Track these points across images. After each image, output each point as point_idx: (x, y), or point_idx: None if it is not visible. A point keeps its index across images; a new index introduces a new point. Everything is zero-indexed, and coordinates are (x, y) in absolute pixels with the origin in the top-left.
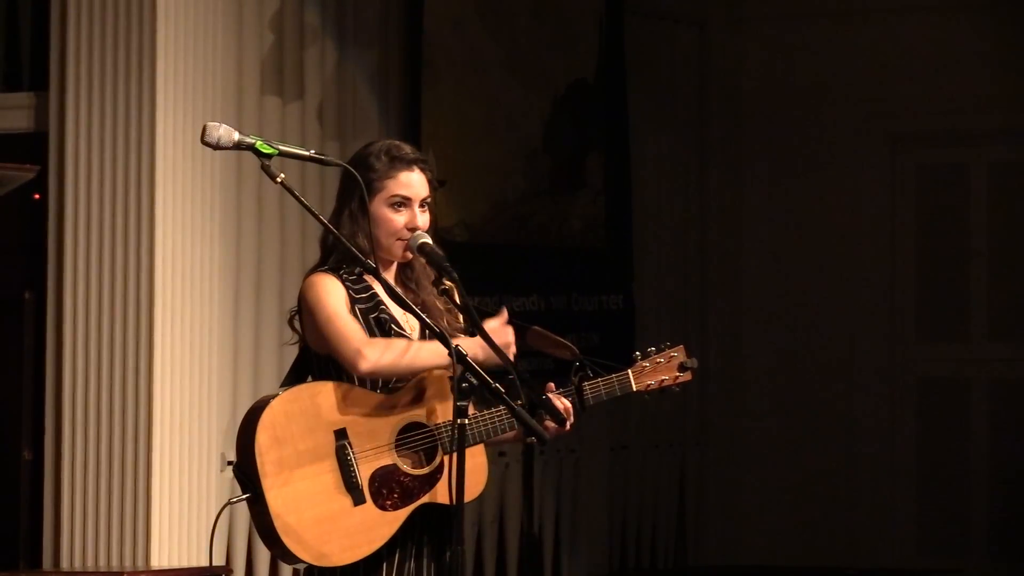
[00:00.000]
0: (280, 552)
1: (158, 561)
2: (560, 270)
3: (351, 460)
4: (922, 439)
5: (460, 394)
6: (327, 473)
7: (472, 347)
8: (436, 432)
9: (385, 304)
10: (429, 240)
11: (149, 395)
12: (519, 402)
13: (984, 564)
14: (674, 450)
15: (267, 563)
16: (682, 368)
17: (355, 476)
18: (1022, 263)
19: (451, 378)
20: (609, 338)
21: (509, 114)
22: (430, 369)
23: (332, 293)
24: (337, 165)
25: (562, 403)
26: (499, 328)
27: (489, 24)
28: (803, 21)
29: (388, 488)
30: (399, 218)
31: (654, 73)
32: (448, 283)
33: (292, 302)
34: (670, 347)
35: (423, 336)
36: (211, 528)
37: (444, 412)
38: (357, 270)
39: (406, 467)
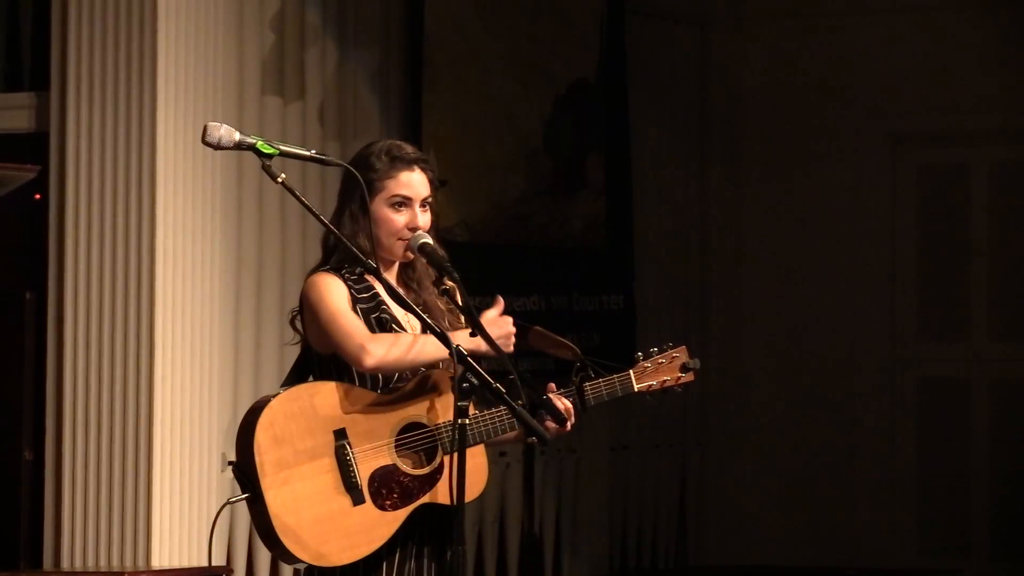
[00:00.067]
0: (279, 552)
1: (158, 561)
2: (561, 270)
3: (350, 460)
4: (922, 439)
5: (461, 394)
6: (326, 473)
7: (472, 344)
8: (436, 432)
9: (386, 304)
10: (430, 240)
11: (149, 395)
12: (520, 402)
13: (984, 564)
14: (674, 450)
15: (267, 563)
16: (684, 368)
17: (354, 476)
18: (1022, 263)
19: (452, 378)
20: (610, 338)
21: (509, 114)
22: (435, 362)
23: (334, 292)
24: (338, 165)
25: (563, 403)
26: (498, 318)
27: (489, 24)
28: (803, 21)
29: (388, 488)
30: (400, 218)
31: (654, 73)
32: (449, 283)
33: (293, 302)
34: (672, 347)
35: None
36: (210, 528)
37: (444, 412)
38: (358, 270)
39: (406, 467)
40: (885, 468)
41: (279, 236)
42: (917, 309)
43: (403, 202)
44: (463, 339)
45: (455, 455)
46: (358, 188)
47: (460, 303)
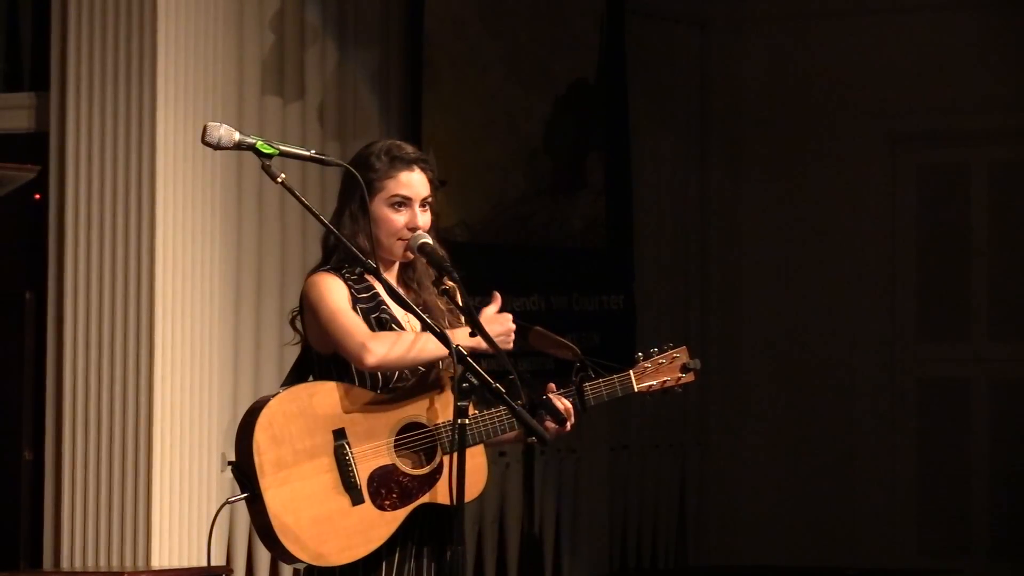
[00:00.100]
0: (278, 552)
1: (158, 561)
2: (561, 270)
3: (349, 460)
4: (922, 439)
5: (461, 394)
6: (325, 473)
7: (471, 342)
8: (435, 432)
9: (386, 304)
10: (429, 240)
11: (149, 395)
12: (520, 402)
13: (984, 564)
14: (674, 450)
15: (267, 563)
16: (684, 369)
17: (353, 476)
18: (1022, 263)
19: (451, 378)
20: (609, 338)
21: (509, 114)
22: (436, 360)
23: (335, 291)
24: (338, 165)
25: (562, 403)
26: (497, 315)
27: (489, 24)
28: (803, 21)
29: (387, 488)
30: (399, 218)
31: (654, 73)
32: (449, 283)
33: (293, 302)
34: (673, 347)
35: None
36: (209, 528)
37: (444, 412)
38: (358, 270)
39: (405, 467)
40: (885, 468)
41: (279, 236)
42: (917, 309)
43: (403, 202)
44: (462, 337)
45: (455, 455)
46: (358, 188)
47: (460, 303)
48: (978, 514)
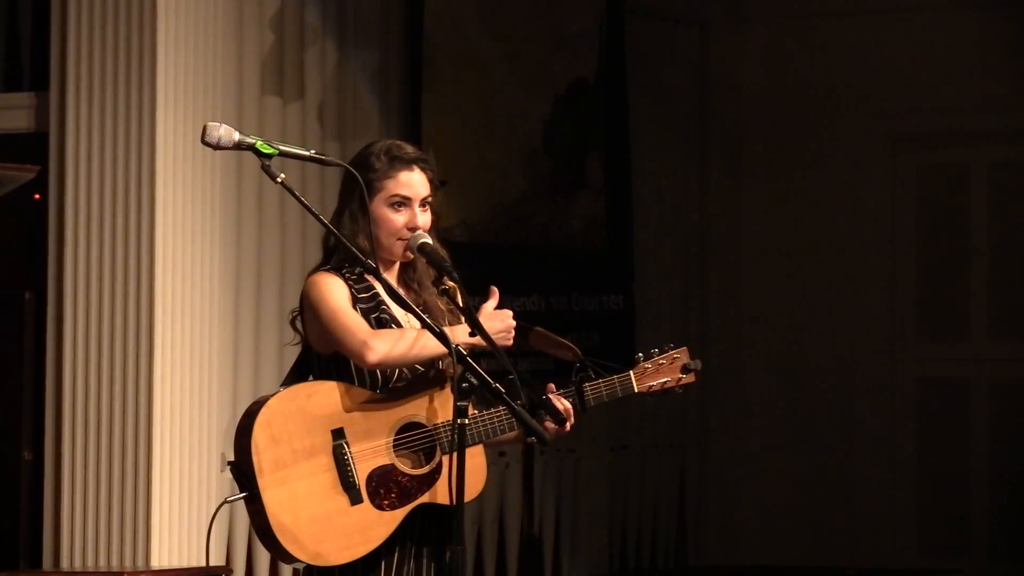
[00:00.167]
0: (277, 552)
1: (158, 561)
2: (560, 270)
3: (348, 459)
4: (922, 439)
5: (460, 394)
6: (324, 472)
7: (471, 340)
8: (435, 432)
9: (386, 304)
10: (429, 240)
11: (149, 395)
12: (519, 402)
13: (984, 564)
14: (674, 450)
15: (267, 563)
16: (685, 370)
17: (352, 475)
18: (1022, 263)
19: (451, 378)
20: (609, 338)
21: (509, 114)
22: (437, 359)
23: (335, 290)
24: (337, 165)
25: (562, 404)
26: (496, 312)
27: (489, 24)
28: (803, 21)
29: (386, 488)
30: (399, 218)
31: (654, 73)
32: (449, 283)
33: (292, 302)
34: (673, 348)
35: None
36: (208, 527)
37: (443, 412)
38: (358, 270)
39: (404, 467)
40: (885, 468)
41: (279, 236)
42: (917, 309)
43: (402, 202)
44: (462, 335)
45: (454, 455)
46: (357, 188)
47: (460, 304)
48: (978, 514)
